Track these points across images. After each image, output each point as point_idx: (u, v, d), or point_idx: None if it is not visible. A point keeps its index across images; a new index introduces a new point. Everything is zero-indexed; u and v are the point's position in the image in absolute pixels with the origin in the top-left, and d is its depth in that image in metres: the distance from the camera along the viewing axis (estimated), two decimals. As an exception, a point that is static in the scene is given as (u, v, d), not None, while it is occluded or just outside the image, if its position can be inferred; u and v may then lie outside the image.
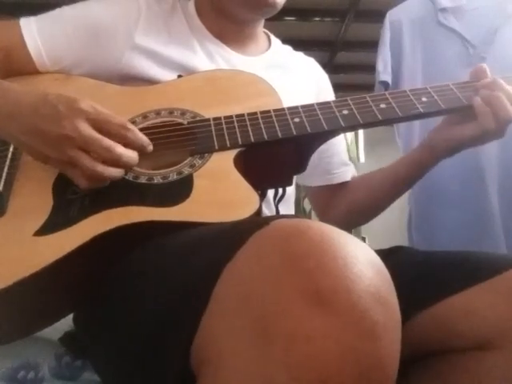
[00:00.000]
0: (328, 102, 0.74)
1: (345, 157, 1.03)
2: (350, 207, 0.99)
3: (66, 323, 0.70)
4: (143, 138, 0.67)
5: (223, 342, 0.40)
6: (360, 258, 0.40)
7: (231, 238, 0.46)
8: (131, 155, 0.64)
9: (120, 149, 0.63)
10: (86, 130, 0.62)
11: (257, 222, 0.45)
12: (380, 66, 1.39)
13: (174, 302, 0.47)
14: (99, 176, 0.63)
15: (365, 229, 3.20)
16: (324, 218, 1.04)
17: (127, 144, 0.65)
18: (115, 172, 0.64)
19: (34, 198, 0.66)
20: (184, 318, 0.45)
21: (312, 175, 1.00)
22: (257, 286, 0.39)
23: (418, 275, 0.69)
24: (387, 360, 0.38)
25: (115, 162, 0.63)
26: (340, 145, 1.03)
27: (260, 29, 0.94)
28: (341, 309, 0.37)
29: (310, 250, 0.39)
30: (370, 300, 0.38)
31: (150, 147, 0.67)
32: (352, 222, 1.04)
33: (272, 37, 0.98)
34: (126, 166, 0.65)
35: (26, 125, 0.64)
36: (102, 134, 0.63)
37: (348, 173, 1.02)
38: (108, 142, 0.63)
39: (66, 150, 0.62)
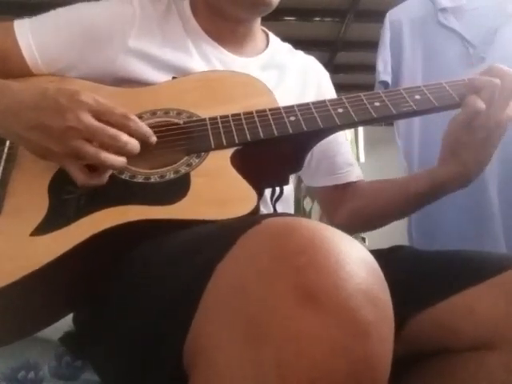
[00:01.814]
0: (323, 101, 0.75)
1: (349, 157, 1.02)
2: (355, 212, 0.97)
3: (66, 323, 0.70)
4: (145, 128, 0.67)
5: (214, 340, 0.40)
6: (353, 256, 0.39)
7: (223, 237, 0.46)
8: (135, 143, 0.64)
9: (125, 137, 0.63)
10: (90, 120, 0.62)
11: (248, 221, 0.45)
12: (380, 66, 1.39)
13: (169, 302, 0.47)
14: (102, 164, 0.63)
15: (365, 229, 3.18)
16: (331, 218, 1.03)
17: (129, 134, 0.65)
18: (118, 160, 0.63)
19: (30, 198, 0.66)
20: (177, 318, 0.45)
21: (316, 175, 1.00)
22: (248, 285, 0.39)
23: (419, 274, 0.69)
24: (378, 360, 0.37)
25: (120, 149, 0.63)
26: (344, 145, 1.02)
27: (257, 27, 0.93)
28: (331, 307, 0.36)
29: (302, 247, 0.39)
30: (362, 299, 0.37)
31: (153, 138, 0.67)
32: (355, 226, 1.02)
33: (270, 35, 0.97)
34: (129, 154, 0.64)
35: (29, 120, 0.64)
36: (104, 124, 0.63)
37: (352, 173, 1.00)
38: (113, 130, 0.63)
39: (71, 142, 0.62)
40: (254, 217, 0.55)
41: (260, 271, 0.39)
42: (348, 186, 1.00)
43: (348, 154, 1.02)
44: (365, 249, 0.42)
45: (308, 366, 0.35)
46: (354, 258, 0.39)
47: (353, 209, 0.97)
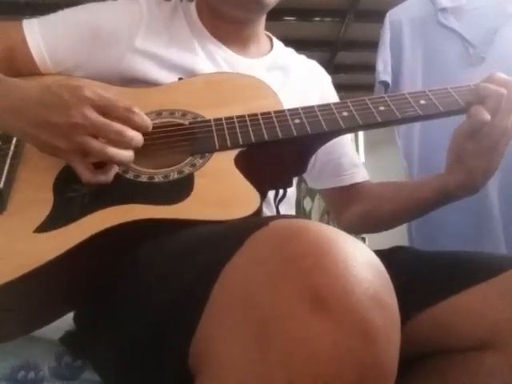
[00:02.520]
0: (328, 104, 0.75)
1: (354, 158, 1.02)
2: (365, 215, 0.97)
3: (66, 323, 0.70)
4: (149, 120, 0.67)
5: (221, 343, 0.40)
6: (359, 259, 0.40)
7: (230, 238, 0.46)
8: (140, 138, 0.65)
9: (130, 132, 0.63)
10: (95, 116, 0.62)
11: (255, 222, 0.45)
12: (380, 66, 1.39)
13: (173, 302, 0.47)
14: (111, 159, 0.63)
15: (365, 229, 3.17)
16: (338, 219, 1.03)
17: (133, 127, 0.65)
18: (126, 155, 0.63)
19: (35, 195, 0.66)
20: (182, 318, 0.45)
21: (322, 178, 1.00)
22: (255, 287, 0.39)
23: (419, 275, 0.69)
24: (386, 363, 0.38)
25: (126, 145, 0.63)
26: (348, 146, 1.02)
27: (261, 30, 0.94)
28: (339, 311, 0.37)
29: (309, 249, 0.39)
30: (369, 303, 0.37)
31: (150, 127, 0.67)
32: (363, 228, 1.02)
33: (274, 39, 0.98)
34: (134, 148, 0.64)
35: (34, 117, 0.64)
36: (108, 119, 0.63)
37: (358, 174, 1.00)
38: (118, 125, 0.63)
39: (76, 138, 0.62)
40: (261, 218, 0.55)
41: (267, 274, 0.39)
42: (354, 188, 1.00)
43: (352, 154, 1.02)
44: (370, 251, 0.42)
45: (316, 370, 0.35)
46: (361, 261, 0.39)
47: (362, 211, 0.97)
